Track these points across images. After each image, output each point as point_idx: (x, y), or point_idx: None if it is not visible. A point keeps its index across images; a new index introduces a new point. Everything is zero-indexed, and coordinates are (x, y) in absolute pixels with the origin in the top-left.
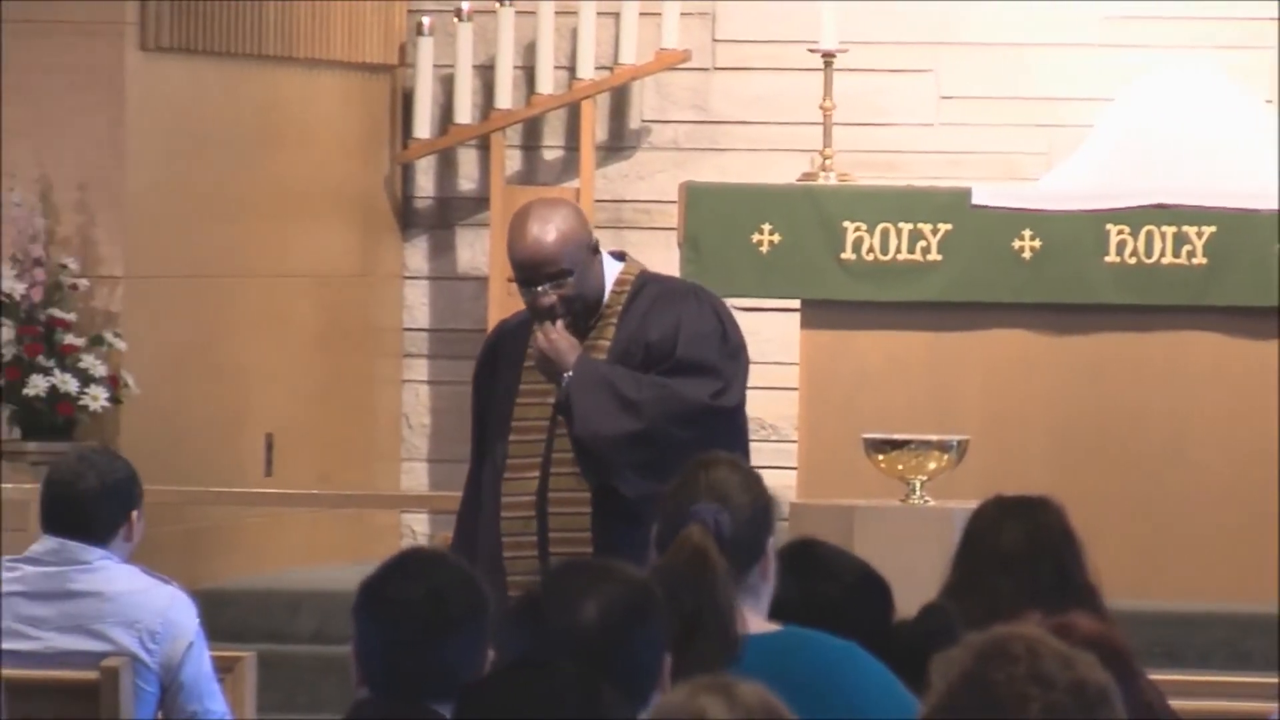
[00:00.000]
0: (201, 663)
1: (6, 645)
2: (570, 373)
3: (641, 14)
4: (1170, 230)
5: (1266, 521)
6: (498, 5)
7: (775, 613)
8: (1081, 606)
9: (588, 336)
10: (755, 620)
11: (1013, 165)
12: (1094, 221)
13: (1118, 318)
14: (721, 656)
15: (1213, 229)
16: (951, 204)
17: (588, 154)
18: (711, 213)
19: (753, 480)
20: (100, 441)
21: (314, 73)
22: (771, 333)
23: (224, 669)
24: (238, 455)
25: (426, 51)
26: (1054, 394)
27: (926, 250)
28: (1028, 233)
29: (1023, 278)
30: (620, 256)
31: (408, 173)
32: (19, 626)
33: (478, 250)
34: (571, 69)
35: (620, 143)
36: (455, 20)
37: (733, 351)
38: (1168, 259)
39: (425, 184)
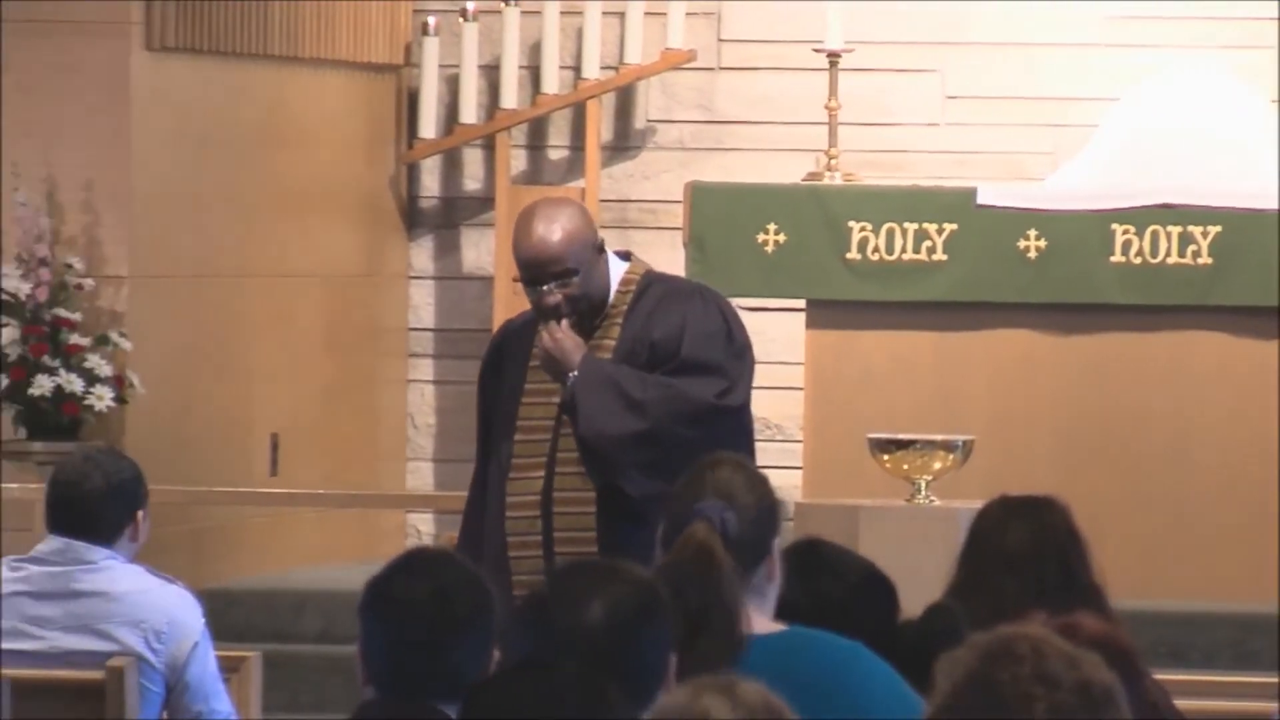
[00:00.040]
0: (207, 662)
1: (12, 645)
2: (575, 372)
3: (647, 14)
4: (1175, 230)
5: (1272, 521)
6: (503, 5)
7: (780, 613)
8: (1087, 606)
9: (593, 336)
10: (760, 620)
11: (1018, 165)
12: (1099, 221)
13: (1123, 318)
14: (727, 655)
15: (1218, 229)
16: (957, 204)
17: (593, 154)
18: (717, 212)
19: (758, 481)
20: (105, 441)
21: (319, 72)
22: (776, 332)
23: (229, 669)
24: (243, 455)
25: (432, 51)
26: (1059, 394)
27: (932, 250)
28: (1033, 233)
29: (1028, 278)
30: (626, 256)
31: (413, 172)
32: (24, 626)
33: (483, 250)
34: (577, 69)
35: (625, 142)
36: (460, 20)
37: (738, 351)
38: (1173, 259)
39: (430, 184)
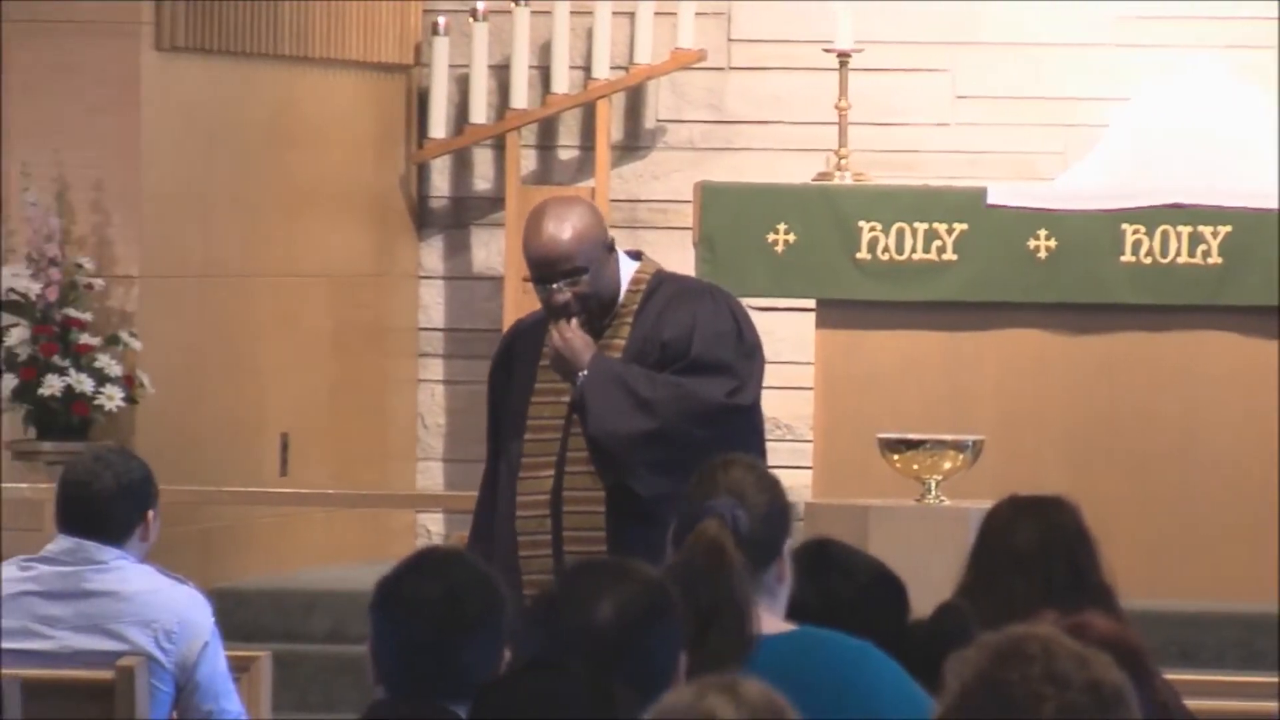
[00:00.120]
0: (217, 662)
1: (22, 645)
2: (585, 371)
3: (657, 14)
4: (1186, 230)
5: None
6: (513, 5)
7: (790, 612)
8: (1096, 606)
9: (603, 335)
10: (771, 621)
11: (1028, 165)
12: (1109, 221)
13: (1133, 317)
14: (737, 653)
15: (1228, 229)
16: (967, 203)
17: (603, 154)
18: (727, 212)
19: (770, 481)
20: (116, 441)
21: (329, 72)
22: (786, 332)
23: (239, 668)
24: (253, 455)
25: (442, 51)
26: (1069, 393)
27: (942, 250)
28: (1043, 232)
29: (1038, 277)
30: (637, 256)
31: (423, 172)
32: (34, 626)
33: (493, 250)
34: (587, 69)
35: (635, 142)
36: (470, 20)
37: (748, 351)
38: (1183, 259)
39: (440, 184)
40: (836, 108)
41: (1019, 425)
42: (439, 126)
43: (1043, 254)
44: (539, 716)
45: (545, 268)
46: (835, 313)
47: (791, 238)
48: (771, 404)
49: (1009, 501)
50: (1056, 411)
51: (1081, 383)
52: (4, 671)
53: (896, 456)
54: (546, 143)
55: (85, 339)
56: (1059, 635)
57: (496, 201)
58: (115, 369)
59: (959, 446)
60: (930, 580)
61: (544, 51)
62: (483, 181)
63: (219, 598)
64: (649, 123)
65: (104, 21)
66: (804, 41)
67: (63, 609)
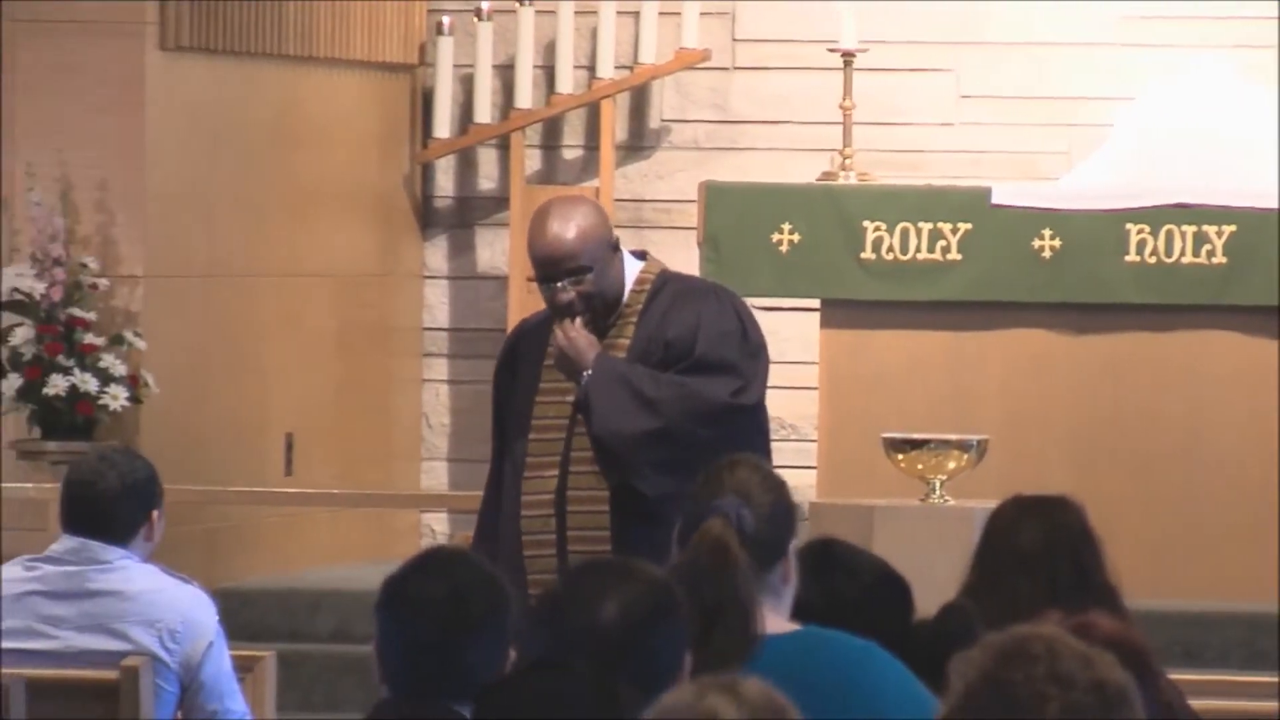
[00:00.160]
0: (221, 662)
1: (27, 644)
2: (589, 371)
3: (661, 13)
4: (1190, 230)
5: None
6: (517, 5)
7: (794, 612)
8: (1101, 606)
9: (607, 335)
10: (776, 621)
11: (1033, 164)
12: (1114, 221)
13: (1137, 317)
14: (741, 651)
15: (1233, 228)
16: (971, 203)
17: (607, 153)
18: (731, 212)
19: (775, 482)
20: (120, 441)
21: (334, 72)
22: (791, 332)
23: (244, 668)
24: (258, 455)
25: (446, 51)
26: (1074, 393)
27: (946, 250)
28: (1047, 232)
29: (1042, 277)
30: (641, 255)
31: (427, 172)
32: (39, 626)
33: (497, 250)
34: (591, 68)
35: (640, 142)
36: (475, 20)
37: (753, 350)
38: (1188, 258)
39: (445, 183)
40: (841, 107)
41: (1023, 425)
42: (443, 126)
43: (1047, 254)
44: (544, 716)
45: (550, 267)
46: (840, 312)
47: (796, 237)
48: (776, 404)
49: (1013, 501)
50: (1061, 411)
51: (1086, 383)
52: (9, 671)
53: (901, 456)
54: (551, 142)
55: (90, 339)
56: (1063, 635)
57: (501, 201)
58: (120, 369)
59: (963, 446)
60: (935, 580)
61: (548, 51)
62: (487, 181)
63: (223, 597)
64: (653, 122)
65: (108, 21)
66: (808, 41)
67: (67, 609)
